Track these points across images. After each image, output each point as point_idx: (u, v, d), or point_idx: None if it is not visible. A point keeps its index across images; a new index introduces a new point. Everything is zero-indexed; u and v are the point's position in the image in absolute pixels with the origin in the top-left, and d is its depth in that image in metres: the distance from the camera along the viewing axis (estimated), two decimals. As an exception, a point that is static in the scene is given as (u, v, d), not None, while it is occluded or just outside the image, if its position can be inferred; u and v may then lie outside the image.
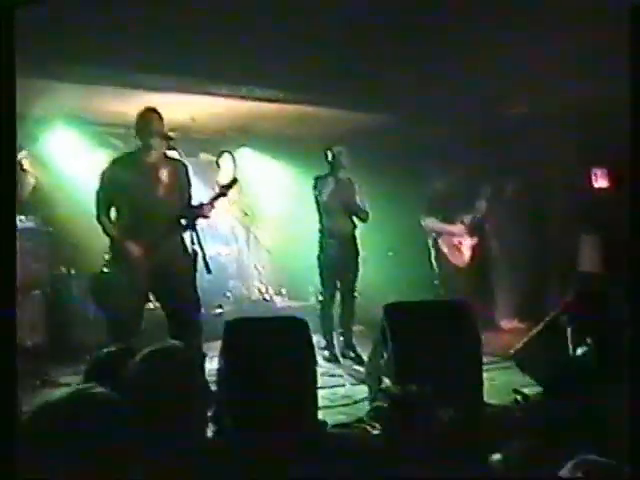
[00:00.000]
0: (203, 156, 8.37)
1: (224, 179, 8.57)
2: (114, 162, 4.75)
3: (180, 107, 7.14)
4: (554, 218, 7.16)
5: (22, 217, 6.50)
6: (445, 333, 4.27)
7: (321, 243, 6.47)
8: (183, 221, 4.63)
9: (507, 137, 7.34)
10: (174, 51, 5.64)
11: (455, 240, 7.00)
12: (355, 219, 6.52)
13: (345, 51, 6.14)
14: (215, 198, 4.69)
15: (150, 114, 4.67)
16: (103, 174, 4.66)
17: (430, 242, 7.15)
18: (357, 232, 6.59)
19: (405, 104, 7.12)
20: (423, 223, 7.05)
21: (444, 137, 7.90)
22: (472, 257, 6.95)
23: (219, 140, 8.49)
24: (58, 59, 5.46)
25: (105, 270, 4.60)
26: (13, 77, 2.28)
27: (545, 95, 6.79)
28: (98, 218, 4.60)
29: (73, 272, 7.00)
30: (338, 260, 6.40)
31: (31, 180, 7.02)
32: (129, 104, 6.94)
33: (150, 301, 4.86)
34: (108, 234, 4.60)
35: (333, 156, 6.40)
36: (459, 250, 6.97)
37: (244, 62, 5.97)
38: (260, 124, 8.04)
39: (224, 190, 4.75)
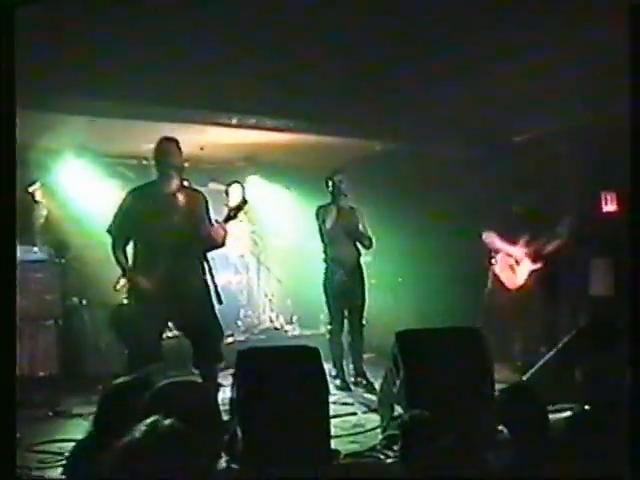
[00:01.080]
0: (212, 185, 8.40)
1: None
2: (132, 193, 4.75)
3: (190, 137, 7.22)
4: (565, 242, 7.13)
5: (34, 248, 6.55)
6: (457, 360, 4.25)
7: (327, 271, 6.48)
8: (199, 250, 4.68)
9: (515, 161, 7.34)
10: (184, 82, 5.70)
11: (511, 260, 6.91)
12: (359, 246, 6.54)
13: (352, 80, 6.18)
14: (226, 220, 4.67)
15: (169, 144, 4.67)
16: (121, 206, 4.68)
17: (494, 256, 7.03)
18: (363, 259, 6.59)
19: (412, 129, 7.14)
20: (484, 235, 6.98)
21: (454, 161, 7.94)
22: (526, 281, 6.84)
23: (228, 170, 8.55)
24: (69, 92, 5.53)
25: (124, 302, 4.63)
26: (13, 77, 2.31)
27: (555, 119, 6.80)
28: (114, 250, 4.61)
29: (85, 303, 7.02)
30: (344, 288, 6.39)
31: (43, 211, 7.09)
32: (140, 135, 7.03)
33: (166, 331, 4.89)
34: (123, 267, 4.61)
35: (333, 185, 6.42)
36: (513, 271, 6.89)
37: (253, 92, 6.03)
38: (270, 154, 8.10)
39: (233, 211, 4.68)
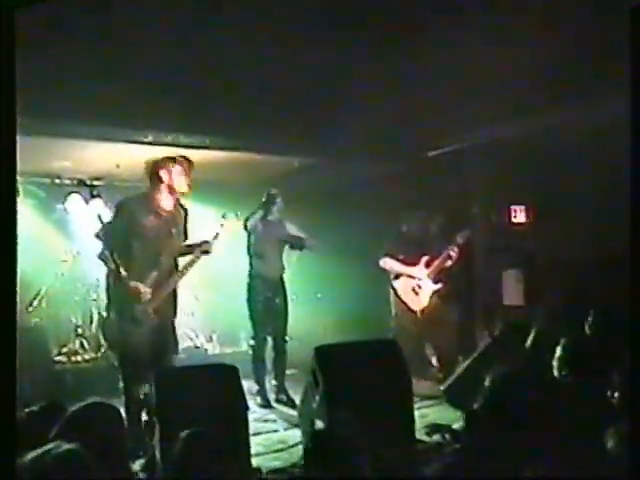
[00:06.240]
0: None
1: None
2: None
3: (105, 155, 7.08)
4: (478, 254, 7.33)
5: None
6: (375, 373, 4.31)
7: (250, 286, 6.45)
8: None
9: (431, 175, 7.49)
10: (98, 99, 5.60)
11: (413, 283, 6.98)
12: (290, 255, 6.54)
13: (268, 95, 6.19)
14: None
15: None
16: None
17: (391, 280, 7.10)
18: (285, 275, 6.61)
19: (330, 145, 7.18)
20: (382, 262, 7.05)
21: (374, 176, 8.04)
22: (430, 302, 6.94)
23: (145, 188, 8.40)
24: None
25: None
26: (13, 78, 2.28)
27: (467, 132, 6.98)
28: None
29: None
30: (268, 304, 6.39)
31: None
32: (52, 153, 6.87)
33: None
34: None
35: (267, 198, 6.41)
36: (416, 293, 6.97)
37: (168, 109, 5.97)
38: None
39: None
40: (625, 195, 2.31)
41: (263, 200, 6.41)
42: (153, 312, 4.83)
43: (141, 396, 4.66)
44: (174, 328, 5.14)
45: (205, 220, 8.58)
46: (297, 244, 6.47)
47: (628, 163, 2.28)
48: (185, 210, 5.26)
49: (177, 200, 5.10)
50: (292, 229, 6.51)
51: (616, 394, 3.01)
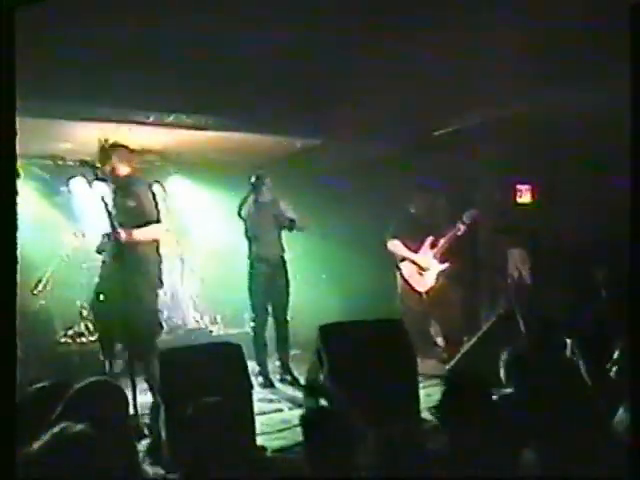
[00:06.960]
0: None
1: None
2: None
3: (107, 135, 7.05)
4: (483, 233, 7.30)
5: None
6: (380, 352, 4.31)
7: (250, 269, 6.44)
8: None
9: (433, 155, 7.45)
10: (100, 80, 5.58)
11: (418, 267, 7.00)
12: (284, 235, 6.51)
13: (271, 77, 6.16)
14: None
15: None
16: None
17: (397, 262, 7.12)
18: (287, 256, 6.59)
19: (333, 126, 7.16)
20: (390, 244, 7.06)
21: (379, 156, 8.00)
22: (435, 282, 6.95)
23: (148, 169, 8.39)
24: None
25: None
26: (13, 78, 2.30)
27: (471, 111, 6.94)
28: None
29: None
30: (267, 285, 6.37)
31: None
32: (56, 135, 6.85)
33: None
34: None
35: (256, 180, 6.37)
36: (421, 275, 6.98)
37: (170, 90, 5.95)
38: (189, 152, 8.01)
39: None
40: (631, 175, 2.29)
41: (252, 182, 6.35)
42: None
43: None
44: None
45: (208, 203, 8.68)
46: (286, 224, 6.43)
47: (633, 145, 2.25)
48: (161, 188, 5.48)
49: (131, 174, 5.52)
50: (286, 208, 6.48)
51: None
